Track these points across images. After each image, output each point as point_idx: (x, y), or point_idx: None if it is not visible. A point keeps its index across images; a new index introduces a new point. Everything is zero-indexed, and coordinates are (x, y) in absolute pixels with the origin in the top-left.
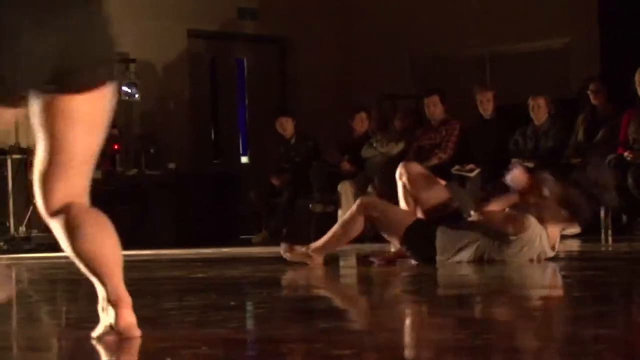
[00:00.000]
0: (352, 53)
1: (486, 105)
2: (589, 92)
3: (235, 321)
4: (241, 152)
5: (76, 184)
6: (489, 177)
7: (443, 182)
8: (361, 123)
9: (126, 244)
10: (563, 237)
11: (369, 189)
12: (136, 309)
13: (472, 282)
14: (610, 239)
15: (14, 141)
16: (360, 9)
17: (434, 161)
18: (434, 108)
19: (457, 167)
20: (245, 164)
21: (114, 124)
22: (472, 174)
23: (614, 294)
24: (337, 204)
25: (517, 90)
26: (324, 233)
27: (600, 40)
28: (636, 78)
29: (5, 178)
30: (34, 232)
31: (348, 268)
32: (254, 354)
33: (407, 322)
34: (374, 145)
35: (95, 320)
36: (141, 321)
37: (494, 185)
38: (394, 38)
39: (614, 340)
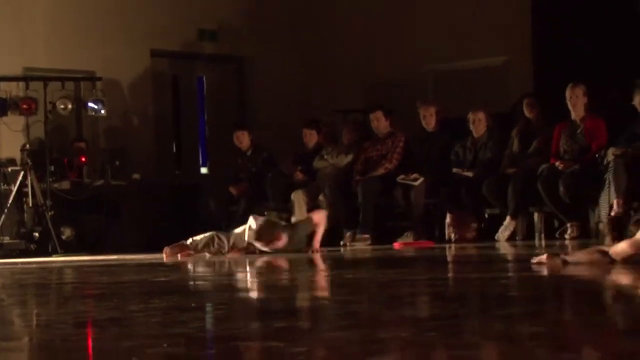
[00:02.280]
0: (306, 71)
1: (429, 119)
2: (523, 106)
3: (197, 321)
4: (201, 163)
5: None
6: (432, 185)
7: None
8: (309, 138)
9: (94, 250)
10: (495, 241)
11: (320, 197)
12: (104, 310)
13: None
14: (543, 242)
15: None
16: (314, 29)
17: (381, 171)
18: (378, 122)
19: (402, 176)
20: (204, 175)
21: (82, 138)
22: (416, 183)
23: (546, 294)
24: (290, 212)
25: (458, 105)
26: None
27: (535, 58)
28: (567, 94)
29: None
30: (6, 239)
31: (302, 271)
32: (213, 352)
33: (357, 319)
34: (325, 157)
35: (65, 321)
36: (109, 322)
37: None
38: (347, 57)
39: (545, 338)
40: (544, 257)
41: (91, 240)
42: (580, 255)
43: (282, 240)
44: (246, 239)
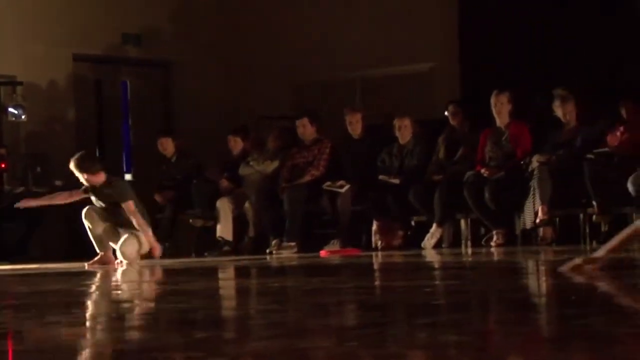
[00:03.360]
0: (233, 76)
1: (355, 125)
2: (448, 114)
3: (129, 331)
4: (125, 170)
5: None
6: (358, 192)
7: None
8: (235, 144)
9: (15, 259)
10: (422, 248)
11: (246, 204)
12: (22, 321)
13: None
14: (469, 249)
15: None
16: (241, 34)
17: (307, 178)
18: (304, 129)
19: (328, 183)
20: (129, 181)
21: (2, 143)
22: (343, 190)
23: (472, 302)
24: (216, 219)
25: (384, 112)
26: (204, 246)
27: (461, 65)
28: (492, 100)
29: None
30: None
31: (227, 279)
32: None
33: (279, 330)
34: (251, 163)
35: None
36: (27, 333)
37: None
38: (274, 63)
39: (470, 347)
40: (579, 261)
41: (12, 249)
42: (612, 243)
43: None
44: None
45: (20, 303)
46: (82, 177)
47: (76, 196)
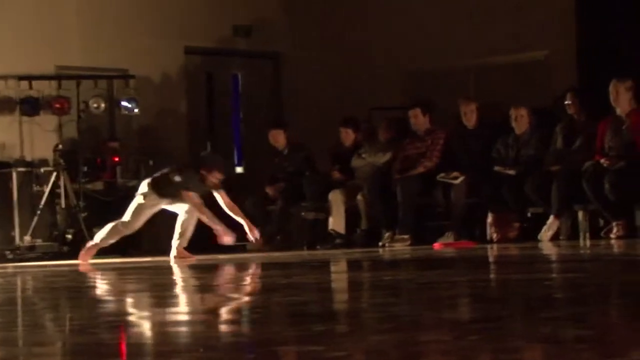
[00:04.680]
0: (343, 67)
1: (469, 115)
2: (565, 102)
3: (236, 324)
4: (236, 162)
5: None
6: (473, 184)
7: None
8: (347, 136)
9: (128, 253)
10: (539, 241)
11: (358, 196)
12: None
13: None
14: (588, 242)
15: (19, 155)
16: (351, 25)
17: (420, 169)
18: (416, 119)
19: (442, 174)
20: (240, 174)
21: (115, 137)
22: (457, 181)
23: (593, 295)
24: (328, 212)
25: (499, 101)
26: (316, 239)
27: (578, 52)
28: (610, 89)
29: (11, 190)
30: (38, 242)
31: (340, 273)
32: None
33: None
34: (363, 155)
35: (97, 325)
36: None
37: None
38: (385, 53)
39: (592, 341)
40: None
41: (126, 243)
42: None
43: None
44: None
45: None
46: (214, 178)
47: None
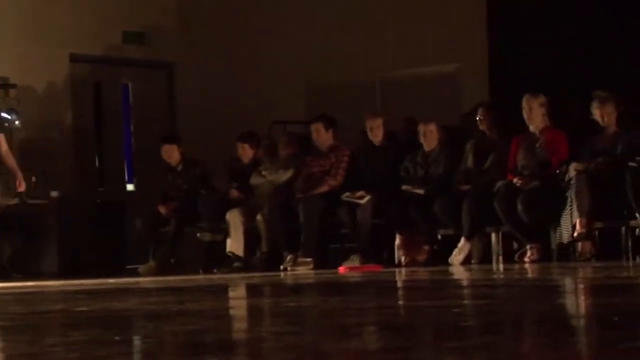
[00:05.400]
0: (243, 79)
1: (376, 131)
2: (477, 118)
3: (120, 357)
4: (127, 179)
5: None
6: (379, 203)
7: None
8: (245, 152)
9: (7, 276)
10: (449, 264)
11: (258, 216)
12: (17, 345)
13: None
14: (501, 266)
15: None
16: (252, 33)
17: (324, 188)
18: (319, 135)
19: (347, 193)
20: (130, 192)
21: None
22: (363, 201)
23: (505, 323)
24: (225, 233)
25: (407, 116)
26: (213, 262)
27: (489, 66)
28: (523, 104)
29: None
30: None
31: (238, 298)
32: None
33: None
34: (263, 172)
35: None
36: (23, 358)
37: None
38: (287, 64)
39: None
40: None
41: (4, 265)
42: None
43: None
44: None
45: (15, 324)
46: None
47: None
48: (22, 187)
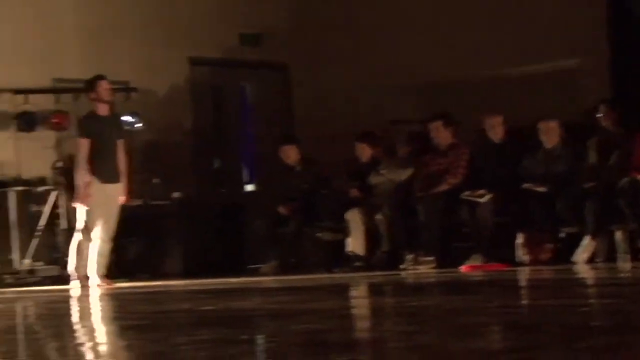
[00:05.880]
0: (357, 78)
1: (496, 129)
2: (598, 115)
3: (248, 356)
4: (246, 180)
5: None
6: (500, 202)
7: None
8: (363, 151)
9: (133, 276)
10: (573, 263)
11: (378, 215)
12: (147, 343)
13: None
14: (628, 264)
15: (15, 173)
16: (366, 33)
17: (444, 187)
18: (438, 133)
19: (467, 192)
20: (250, 192)
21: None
22: (483, 200)
23: (634, 323)
24: (345, 232)
25: (525, 113)
26: (334, 261)
27: (611, 61)
28: None
29: (8, 210)
30: (38, 265)
31: (360, 298)
32: None
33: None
34: (382, 171)
35: (104, 355)
36: (153, 356)
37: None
38: (400, 63)
39: None
40: None
41: (130, 266)
42: None
43: None
44: None
45: (143, 324)
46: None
47: None
48: (125, 200)
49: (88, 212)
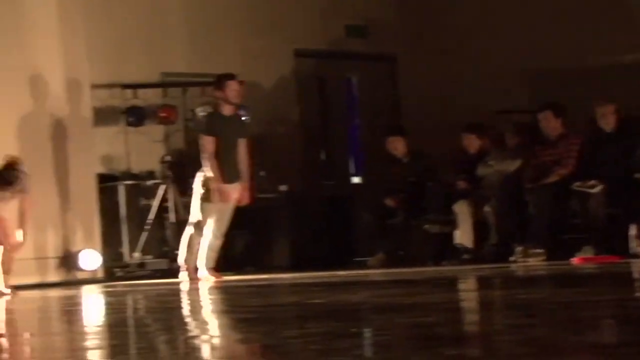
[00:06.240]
0: (465, 69)
1: (608, 118)
2: None
3: (358, 349)
4: (353, 172)
5: None
6: (612, 192)
7: None
8: (471, 143)
9: (240, 269)
10: None
11: (487, 207)
12: (258, 336)
13: None
14: None
15: (125, 167)
16: (471, 23)
17: (555, 178)
18: (548, 123)
19: (578, 183)
20: (356, 185)
21: None
22: (594, 190)
23: None
24: (453, 225)
25: (638, 102)
26: (442, 254)
27: None
28: None
29: (118, 204)
30: (148, 258)
31: (468, 291)
32: None
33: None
34: (490, 163)
35: (221, 347)
36: (264, 350)
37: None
38: (507, 52)
39: None
40: None
41: (240, 258)
42: None
43: None
44: None
45: (252, 317)
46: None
47: None
48: (246, 200)
49: (203, 207)
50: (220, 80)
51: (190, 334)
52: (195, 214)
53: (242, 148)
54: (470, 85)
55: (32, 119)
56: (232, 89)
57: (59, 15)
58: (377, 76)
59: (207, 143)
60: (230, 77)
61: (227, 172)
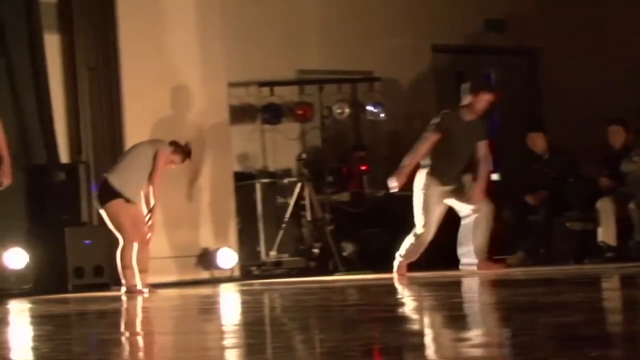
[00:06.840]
0: (607, 63)
1: None
2: None
3: (494, 349)
4: (492, 169)
5: None
6: None
7: None
8: (616, 137)
9: (378, 267)
10: None
11: (630, 205)
12: (396, 336)
13: None
14: None
15: (261, 165)
16: (611, 16)
17: None
18: None
19: None
20: (496, 182)
21: (361, 144)
22: None
23: None
24: (596, 222)
25: None
26: (584, 252)
27: None
28: None
29: (255, 202)
30: (284, 257)
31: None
32: None
33: None
34: (634, 159)
35: (352, 348)
36: (402, 350)
37: None
38: None
39: None
40: None
41: (375, 257)
42: None
43: None
44: None
45: (390, 316)
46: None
47: None
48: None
49: (425, 210)
50: (476, 87)
51: (323, 334)
52: (418, 221)
53: (482, 151)
54: (611, 78)
55: (169, 117)
56: (482, 99)
57: (196, 15)
58: (516, 70)
59: (429, 139)
60: (489, 89)
61: (449, 175)
